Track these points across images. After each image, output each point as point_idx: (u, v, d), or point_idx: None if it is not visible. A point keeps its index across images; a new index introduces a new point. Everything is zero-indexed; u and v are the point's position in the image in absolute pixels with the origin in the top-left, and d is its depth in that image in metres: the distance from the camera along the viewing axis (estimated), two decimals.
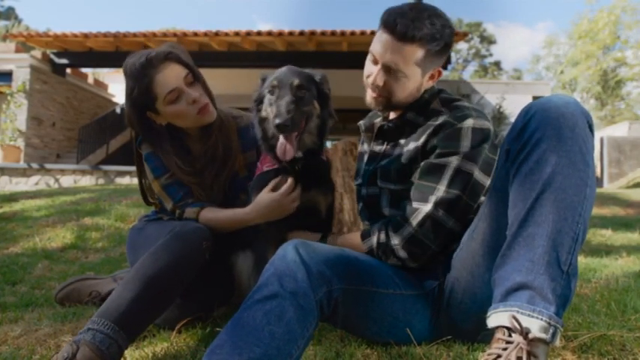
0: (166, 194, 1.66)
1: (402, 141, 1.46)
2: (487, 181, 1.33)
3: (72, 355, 1.15)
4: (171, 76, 1.56)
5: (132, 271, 1.36)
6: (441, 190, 1.30)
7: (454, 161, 1.30)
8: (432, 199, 1.30)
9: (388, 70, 1.36)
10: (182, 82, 1.57)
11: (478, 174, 1.31)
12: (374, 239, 1.38)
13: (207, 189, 1.70)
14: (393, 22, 1.30)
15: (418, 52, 1.32)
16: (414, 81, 1.38)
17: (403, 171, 1.40)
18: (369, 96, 1.45)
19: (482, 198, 1.36)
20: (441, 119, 1.34)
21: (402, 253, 1.33)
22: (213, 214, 1.60)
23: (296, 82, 1.44)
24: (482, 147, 1.31)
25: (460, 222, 1.32)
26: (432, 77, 1.43)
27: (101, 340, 1.19)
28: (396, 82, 1.37)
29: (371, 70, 1.41)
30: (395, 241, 1.33)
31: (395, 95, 1.40)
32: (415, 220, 1.31)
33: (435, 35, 1.30)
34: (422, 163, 1.36)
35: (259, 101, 1.51)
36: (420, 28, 1.29)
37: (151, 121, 1.64)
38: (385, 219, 1.41)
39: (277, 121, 1.34)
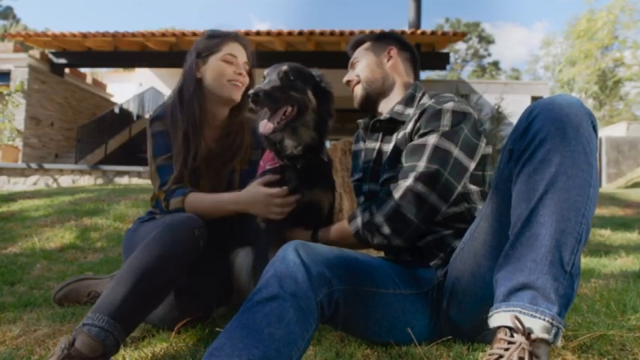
0: (157, 175, 1.67)
1: (395, 135, 1.53)
2: (470, 164, 1.38)
3: (69, 344, 1.15)
4: (240, 50, 1.78)
5: (125, 265, 1.35)
6: (421, 166, 1.34)
7: (432, 139, 1.36)
8: (412, 175, 1.34)
9: (352, 64, 1.69)
10: (241, 61, 1.77)
11: (458, 153, 1.35)
12: (358, 220, 1.41)
13: (213, 178, 1.73)
14: (348, 48, 1.75)
15: (365, 45, 1.69)
16: (370, 60, 1.64)
17: (394, 158, 1.46)
18: (354, 95, 1.66)
19: (473, 187, 1.41)
20: (425, 106, 1.44)
21: (386, 229, 1.35)
22: (197, 198, 1.59)
23: (284, 68, 1.48)
24: (460, 127, 1.37)
25: (443, 199, 1.34)
26: (389, 57, 1.64)
27: (97, 333, 1.19)
28: (358, 66, 1.65)
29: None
30: (378, 218, 1.36)
31: (362, 75, 1.62)
32: (396, 195, 1.34)
33: (368, 35, 1.71)
34: (406, 148, 1.42)
35: None
36: (356, 37, 1.74)
37: (193, 73, 1.74)
38: (370, 200, 1.44)
39: (250, 91, 1.39)
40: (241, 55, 1.77)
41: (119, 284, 1.29)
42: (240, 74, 1.74)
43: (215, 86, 1.72)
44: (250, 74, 1.81)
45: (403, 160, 1.41)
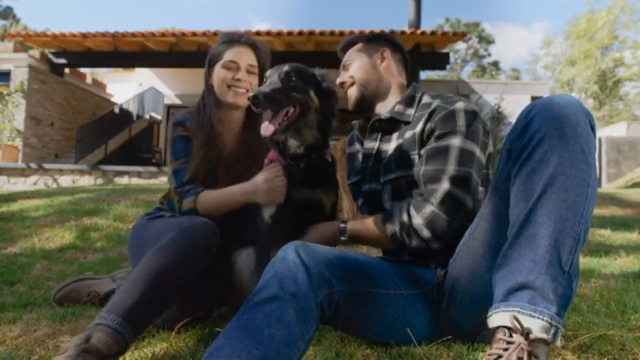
0: (174, 177, 1.72)
1: (395, 134, 1.53)
2: (485, 162, 1.42)
3: (85, 340, 1.18)
4: (242, 54, 1.80)
5: (139, 266, 1.37)
6: (451, 169, 1.34)
7: (456, 142, 1.36)
8: (446, 178, 1.34)
9: (345, 66, 1.68)
10: (244, 64, 1.79)
11: (479, 153, 1.37)
12: (396, 222, 1.38)
13: (230, 183, 1.75)
14: (339, 49, 1.76)
15: (356, 46, 1.68)
16: (364, 61, 1.63)
17: (402, 158, 1.45)
18: (349, 97, 1.65)
19: (480, 187, 1.42)
20: (432, 107, 1.44)
21: (426, 233, 1.33)
22: (208, 196, 1.65)
23: (285, 68, 1.48)
24: (477, 127, 1.39)
25: (473, 199, 1.36)
26: (382, 59, 1.64)
27: (110, 333, 1.22)
28: (352, 68, 1.64)
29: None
30: (418, 220, 1.34)
31: (356, 76, 1.61)
32: (436, 199, 1.33)
33: (359, 36, 1.70)
34: (424, 150, 1.41)
35: None
36: (347, 38, 1.73)
37: (210, 78, 1.82)
38: (405, 201, 1.42)
39: (250, 94, 1.39)
40: (245, 58, 1.79)
41: (133, 286, 1.31)
42: (237, 80, 1.76)
43: (219, 93, 1.79)
44: (261, 76, 1.82)
45: (424, 162, 1.39)
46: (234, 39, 1.81)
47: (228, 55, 1.78)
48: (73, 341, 1.18)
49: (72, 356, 1.14)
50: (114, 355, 1.22)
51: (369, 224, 1.46)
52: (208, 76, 1.82)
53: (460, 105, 1.40)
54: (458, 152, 1.34)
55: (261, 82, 1.81)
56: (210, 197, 1.64)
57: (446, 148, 1.36)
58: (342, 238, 1.50)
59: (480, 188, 1.43)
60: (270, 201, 1.54)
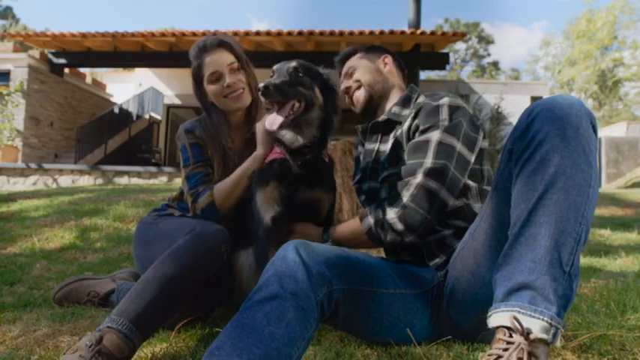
0: (187, 182, 1.75)
1: (392, 134, 1.58)
2: (471, 157, 1.42)
3: (96, 341, 1.18)
4: (217, 60, 1.75)
5: (152, 270, 1.37)
6: (428, 162, 1.36)
7: (435, 135, 1.38)
8: (420, 170, 1.36)
9: (349, 74, 1.71)
10: (225, 68, 1.75)
11: (461, 147, 1.38)
12: (370, 218, 1.43)
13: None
14: (337, 60, 1.80)
15: (357, 55, 1.74)
16: (368, 66, 1.69)
17: (394, 155, 1.50)
18: (356, 100, 1.68)
19: (472, 183, 1.44)
20: (420, 105, 1.48)
21: (399, 226, 1.36)
22: (220, 185, 1.68)
23: (292, 64, 1.51)
24: (459, 121, 1.40)
25: (451, 193, 1.37)
26: (385, 64, 1.71)
27: (120, 337, 1.22)
28: (357, 73, 1.69)
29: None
30: (391, 214, 1.37)
31: (363, 79, 1.66)
32: (408, 192, 1.36)
33: (357, 47, 1.77)
34: (407, 145, 1.45)
35: None
36: (345, 50, 1.78)
37: (205, 96, 1.82)
38: (382, 199, 1.47)
39: (260, 84, 1.40)
40: (222, 62, 1.75)
41: (145, 290, 1.32)
42: (228, 86, 1.74)
43: (219, 105, 1.79)
44: (243, 67, 1.80)
45: (406, 157, 1.43)
46: (201, 49, 1.77)
47: (207, 69, 1.75)
48: (83, 341, 1.18)
49: (85, 357, 1.14)
50: (124, 359, 1.22)
51: (351, 227, 1.50)
52: (203, 95, 1.81)
53: (444, 100, 1.43)
54: (436, 145, 1.37)
55: (244, 70, 1.81)
56: (222, 186, 1.67)
57: (425, 142, 1.39)
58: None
59: (472, 184, 1.44)
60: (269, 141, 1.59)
